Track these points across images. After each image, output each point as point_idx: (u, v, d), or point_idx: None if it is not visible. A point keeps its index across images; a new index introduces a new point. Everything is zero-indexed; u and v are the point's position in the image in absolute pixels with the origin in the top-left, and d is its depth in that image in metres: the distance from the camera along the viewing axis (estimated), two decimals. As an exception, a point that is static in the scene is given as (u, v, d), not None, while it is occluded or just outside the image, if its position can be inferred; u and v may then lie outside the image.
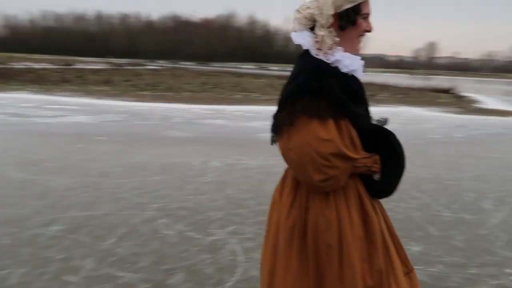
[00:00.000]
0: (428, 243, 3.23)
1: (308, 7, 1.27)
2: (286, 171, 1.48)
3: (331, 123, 1.20)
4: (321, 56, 1.27)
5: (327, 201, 1.29)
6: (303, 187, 1.33)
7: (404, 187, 5.08)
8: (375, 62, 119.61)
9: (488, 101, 18.58)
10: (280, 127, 1.27)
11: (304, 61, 1.31)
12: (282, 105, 1.29)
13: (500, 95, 23.71)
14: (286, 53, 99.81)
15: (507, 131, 9.46)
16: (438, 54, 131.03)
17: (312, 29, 1.31)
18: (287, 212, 1.35)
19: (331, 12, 1.24)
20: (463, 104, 16.15)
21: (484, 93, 24.58)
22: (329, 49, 1.26)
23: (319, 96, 1.20)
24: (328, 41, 1.26)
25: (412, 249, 3.10)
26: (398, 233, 4.03)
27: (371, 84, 23.84)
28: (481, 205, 4.15)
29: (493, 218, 3.79)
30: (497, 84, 43.10)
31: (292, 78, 1.32)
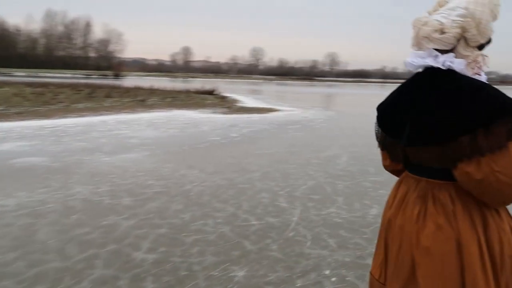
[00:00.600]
0: (249, 262, 2.99)
1: (458, 24, 1.20)
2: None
3: None
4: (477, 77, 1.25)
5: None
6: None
7: (204, 199, 4.99)
8: (136, 66, 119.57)
9: (245, 100, 21.15)
10: (478, 152, 1.16)
11: (454, 79, 1.23)
12: (471, 128, 1.16)
13: (250, 94, 27.52)
14: (32, 56, 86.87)
15: (270, 127, 10.76)
16: (193, 58, 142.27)
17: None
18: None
19: (490, 29, 1.24)
20: (228, 104, 17.74)
21: (238, 92, 27.99)
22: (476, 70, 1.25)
23: None
24: (481, 60, 1.25)
25: (237, 275, 2.78)
26: (216, 258, 3.46)
27: (139, 89, 23.27)
28: (279, 205, 4.29)
29: (293, 217, 3.93)
30: (243, 84, 50.39)
31: (448, 102, 1.22)
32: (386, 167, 1.57)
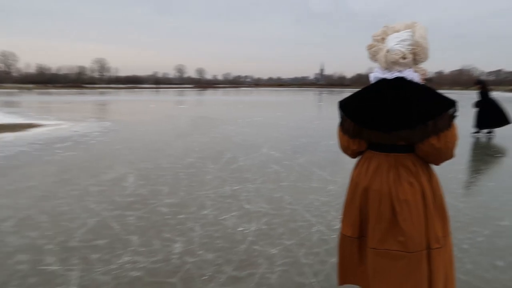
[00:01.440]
0: None
1: (413, 50, 1.92)
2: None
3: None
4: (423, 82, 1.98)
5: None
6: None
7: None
8: None
9: (-8, 115, 16.72)
10: (439, 130, 1.85)
11: (415, 86, 1.93)
12: (433, 115, 1.84)
13: (1, 107, 22.30)
14: None
15: (30, 148, 8.47)
16: None
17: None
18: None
19: (428, 53, 1.96)
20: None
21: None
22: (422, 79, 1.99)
23: (456, 105, 1.87)
24: (424, 72, 1.99)
25: None
26: None
27: None
28: (45, 270, 2.99)
29: (70, 286, 2.75)
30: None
31: (418, 100, 1.89)
32: (352, 151, 2.13)
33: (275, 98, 40.25)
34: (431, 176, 2.00)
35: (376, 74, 2.01)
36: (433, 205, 1.95)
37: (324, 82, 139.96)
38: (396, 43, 1.91)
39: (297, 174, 6.14)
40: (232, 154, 7.87)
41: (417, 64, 1.94)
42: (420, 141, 1.88)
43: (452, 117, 1.86)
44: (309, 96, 49.40)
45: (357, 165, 2.15)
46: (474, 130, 11.01)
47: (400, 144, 1.95)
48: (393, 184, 1.94)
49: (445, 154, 1.90)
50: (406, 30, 1.94)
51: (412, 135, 1.89)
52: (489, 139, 10.48)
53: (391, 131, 1.92)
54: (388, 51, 1.92)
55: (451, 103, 1.85)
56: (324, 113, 21.80)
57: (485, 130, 11.02)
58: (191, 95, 47.00)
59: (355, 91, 2.11)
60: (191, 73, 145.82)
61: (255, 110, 22.44)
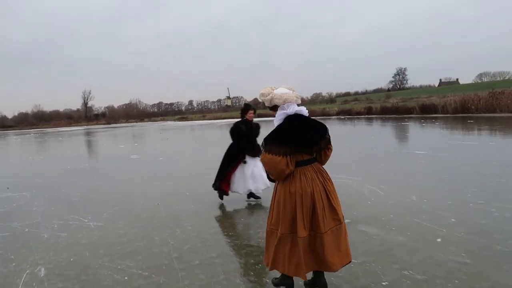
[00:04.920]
0: None
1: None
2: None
3: None
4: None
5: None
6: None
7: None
8: None
9: None
10: (329, 139, 3.10)
11: (307, 116, 3.08)
12: (324, 134, 3.01)
13: None
14: None
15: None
16: None
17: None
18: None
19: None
20: None
21: None
22: None
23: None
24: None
25: None
26: None
27: None
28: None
29: None
30: None
31: (315, 122, 3.04)
32: (291, 170, 2.88)
33: None
34: (327, 174, 3.06)
35: (285, 111, 2.98)
36: (333, 194, 2.99)
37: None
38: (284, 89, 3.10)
39: None
40: None
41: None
42: (324, 149, 3.00)
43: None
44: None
45: (292, 180, 2.89)
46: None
47: (313, 157, 2.97)
48: (323, 182, 2.92)
49: (329, 156, 3.09)
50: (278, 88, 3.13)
51: (323, 144, 2.96)
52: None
53: (314, 145, 2.92)
54: (291, 91, 3.09)
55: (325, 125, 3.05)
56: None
57: None
58: None
59: (276, 128, 2.99)
60: None
61: None
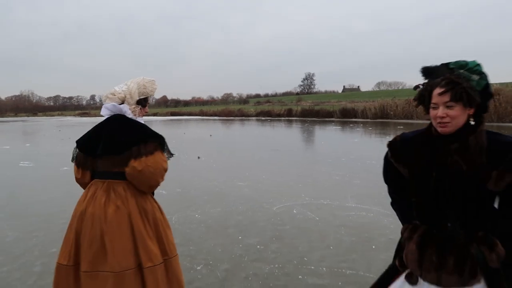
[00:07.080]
0: None
1: (120, 93, 2.40)
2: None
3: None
4: (137, 118, 2.43)
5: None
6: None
7: None
8: None
9: None
10: (141, 155, 2.19)
11: (127, 120, 2.35)
12: (137, 143, 2.22)
13: None
14: None
15: None
16: None
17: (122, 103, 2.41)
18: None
19: (136, 98, 2.44)
20: None
21: None
22: (139, 115, 2.47)
23: (163, 139, 2.31)
24: (138, 110, 2.45)
25: None
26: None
27: None
28: None
29: None
30: None
31: (126, 130, 2.29)
32: (83, 182, 2.40)
33: None
34: (143, 200, 2.28)
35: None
36: (144, 226, 2.21)
37: None
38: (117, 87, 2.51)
39: None
40: None
41: (129, 104, 2.43)
42: (126, 164, 2.22)
43: (158, 147, 2.29)
44: None
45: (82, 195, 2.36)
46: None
47: (114, 171, 2.26)
48: (103, 207, 2.17)
49: (148, 178, 2.22)
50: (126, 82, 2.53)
51: (120, 160, 2.23)
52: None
53: (102, 155, 2.27)
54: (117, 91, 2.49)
55: (156, 136, 2.31)
56: None
57: None
58: None
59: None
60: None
61: None
